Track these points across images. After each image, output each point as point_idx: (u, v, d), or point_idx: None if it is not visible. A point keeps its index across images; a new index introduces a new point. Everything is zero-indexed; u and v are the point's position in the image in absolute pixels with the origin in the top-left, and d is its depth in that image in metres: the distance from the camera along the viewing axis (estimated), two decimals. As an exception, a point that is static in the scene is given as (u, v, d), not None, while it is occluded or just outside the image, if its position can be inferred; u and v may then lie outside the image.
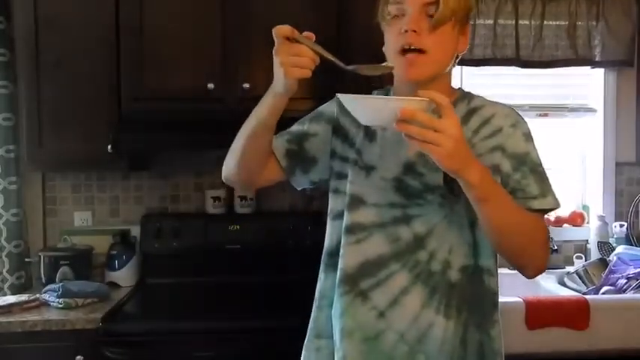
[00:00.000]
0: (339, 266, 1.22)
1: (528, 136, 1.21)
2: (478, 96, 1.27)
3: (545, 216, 1.23)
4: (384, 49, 1.22)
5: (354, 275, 1.20)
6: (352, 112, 1.08)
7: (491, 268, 1.21)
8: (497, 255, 1.22)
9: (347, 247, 1.22)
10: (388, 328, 1.17)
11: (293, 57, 1.06)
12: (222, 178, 1.31)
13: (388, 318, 1.17)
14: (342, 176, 1.27)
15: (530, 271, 1.19)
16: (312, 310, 1.30)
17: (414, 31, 1.13)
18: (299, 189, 1.37)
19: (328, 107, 1.33)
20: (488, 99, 1.26)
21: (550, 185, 1.19)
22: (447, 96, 1.20)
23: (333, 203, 1.29)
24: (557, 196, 1.20)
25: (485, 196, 1.06)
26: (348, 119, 1.26)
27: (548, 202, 1.17)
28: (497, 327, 1.22)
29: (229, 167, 1.28)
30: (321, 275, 1.29)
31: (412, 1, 1.14)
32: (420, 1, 1.14)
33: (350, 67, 1.10)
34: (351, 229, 1.22)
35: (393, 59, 1.18)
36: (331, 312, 1.24)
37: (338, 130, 1.29)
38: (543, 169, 1.20)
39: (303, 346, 1.31)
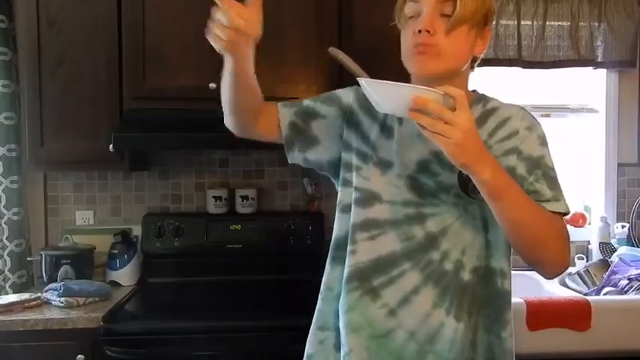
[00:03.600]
0: (350, 262, 1.22)
1: (543, 140, 1.21)
2: (493, 98, 1.27)
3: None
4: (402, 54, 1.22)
5: (365, 272, 1.20)
6: (370, 97, 1.08)
7: (504, 269, 1.21)
8: (511, 256, 1.22)
9: (360, 243, 1.22)
10: (398, 327, 1.18)
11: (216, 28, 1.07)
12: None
13: (399, 316, 1.18)
14: (352, 168, 1.26)
15: (548, 268, 1.18)
16: (318, 301, 1.30)
17: (427, 32, 1.13)
18: (290, 162, 1.35)
19: (345, 94, 1.32)
20: (503, 101, 1.27)
21: (562, 191, 1.20)
22: None
23: (342, 195, 1.28)
24: (568, 202, 1.19)
25: (499, 193, 1.06)
26: (363, 110, 1.27)
27: (560, 207, 1.17)
28: (509, 327, 1.22)
29: (225, 115, 1.27)
30: (328, 267, 1.29)
31: (427, 0, 1.15)
32: (434, 0, 1.14)
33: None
34: (365, 226, 1.22)
35: (406, 57, 1.18)
36: (337, 305, 1.24)
37: (350, 120, 1.28)
38: (556, 174, 1.20)
39: (307, 338, 1.31)
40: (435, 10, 1.14)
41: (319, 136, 1.29)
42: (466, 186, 1.11)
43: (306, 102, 1.31)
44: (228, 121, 1.27)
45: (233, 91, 1.18)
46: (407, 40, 1.18)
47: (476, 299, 1.18)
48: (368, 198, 1.23)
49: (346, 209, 1.26)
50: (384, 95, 1.05)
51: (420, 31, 1.13)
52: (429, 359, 1.17)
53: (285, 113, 1.29)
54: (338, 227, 1.28)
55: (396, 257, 1.19)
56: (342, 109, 1.29)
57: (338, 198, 1.30)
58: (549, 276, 1.22)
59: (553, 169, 1.20)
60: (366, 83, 1.05)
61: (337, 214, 1.29)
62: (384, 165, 1.23)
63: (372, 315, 1.19)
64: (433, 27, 1.13)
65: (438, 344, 1.16)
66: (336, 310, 1.24)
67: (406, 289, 1.18)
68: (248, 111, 1.24)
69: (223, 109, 1.25)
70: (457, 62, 1.18)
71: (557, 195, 1.18)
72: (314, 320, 1.30)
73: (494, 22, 2.48)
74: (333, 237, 1.29)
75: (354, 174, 1.26)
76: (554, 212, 1.16)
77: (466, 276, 1.18)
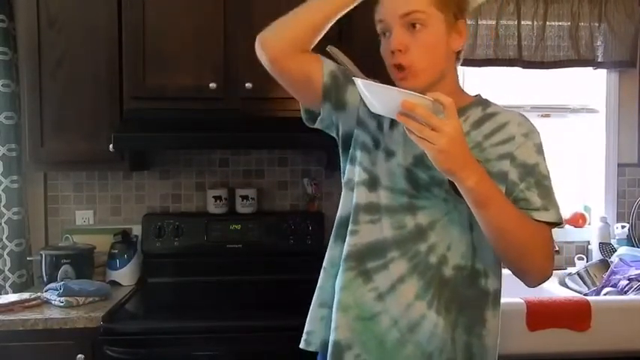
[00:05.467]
0: (349, 241, 1.24)
1: (539, 148, 1.22)
2: (495, 104, 1.28)
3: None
4: None
5: (362, 253, 1.23)
6: (364, 97, 1.11)
7: (488, 270, 1.22)
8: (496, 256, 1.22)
9: (362, 225, 1.24)
10: (384, 312, 1.20)
11: None
12: (257, 42, 1.23)
13: (386, 302, 1.20)
14: (363, 148, 1.28)
15: (531, 277, 1.20)
16: (319, 277, 1.32)
17: (400, 51, 1.16)
18: (311, 125, 1.33)
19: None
20: (504, 107, 1.28)
21: (554, 200, 1.20)
22: (454, 96, 1.21)
23: (350, 173, 1.30)
24: (560, 212, 1.20)
25: (483, 201, 1.08)
26: None
27: (550, 216, 1.18)
28: (489, 325, 1.21)
29: (274, 38, 1.21)
30: (331, 243, 1.31)
31: (390, 17, 1.17)
32: (396, 15, 1.16)
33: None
34: (367, 209, 1.24)
35: (390, 72, 1.21)
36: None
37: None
38: (550, 182, 1.21)
39: (308, 315, 1.33)
40: (401, 25, 1.16)
41: (348, 104, 1.28)
42: (454, 184, 1.12)
43: (344, 70, 1.30)
44: (274, 43, 1.21)
45: (319, 19, 1.19)
46: (385, 57, 1.21)
47: (456, 297, 1.20)
48: (373, 181, 1.25)
49: (352, 188, 1.28)
50: (376, 97, 1.07)
51: (392, 52, 1.16)
52: (409, 349, 1.19)
53: (329, 63, 1.27)
54: (343, 205, 1.30)
55: (388, 244, 1.21)
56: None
57: (345, 175, 1.31)
58: (531, 285, 1.23)
59: (547, 178, 1.21)
60: (361, 84, 1.07)
61: (343, 192, 1.31)
62: (389, 153, 1.25)
63: (362, 297, 1.21)
64: (404, 44, 1.16)
65: (418, 335, 1.18)
66: (328, 293, 1.27)
67: (394, 277, 1.20)
68: (303, 40, 1.21)
69: (274, 29, 1.21)
70: (437, 67, 1.20)
71: (547, 204, 1.18)
72: (315, 296, 1.32)
73: (494, 22, 2.51)
74: (337, 214, 1.31)
75: (364, 154, 1.27)
76: (542, 222, 1.17)
77: (447, 272, 1.19)
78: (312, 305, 1.33)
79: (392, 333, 1.19)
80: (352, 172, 1.29)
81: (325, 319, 1.28)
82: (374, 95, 1.07)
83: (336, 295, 1.25)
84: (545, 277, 1.20)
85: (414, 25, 1.16)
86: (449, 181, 1.15)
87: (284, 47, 1.20)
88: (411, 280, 1.19)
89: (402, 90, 1.05)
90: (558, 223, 1.19)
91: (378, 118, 1.27)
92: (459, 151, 1.03)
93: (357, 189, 1.26)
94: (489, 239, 1.15)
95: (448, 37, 1.19)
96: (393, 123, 1.26)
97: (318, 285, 1.32)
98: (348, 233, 1.25)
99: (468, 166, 1.05)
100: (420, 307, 1.18)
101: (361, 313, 1.21)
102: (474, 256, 1.21)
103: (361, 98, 1.27)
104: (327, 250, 1.32)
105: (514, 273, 1.19)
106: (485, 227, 1.13)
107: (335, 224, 1.32)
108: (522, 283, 1.51)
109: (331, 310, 1.27)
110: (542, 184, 1.19)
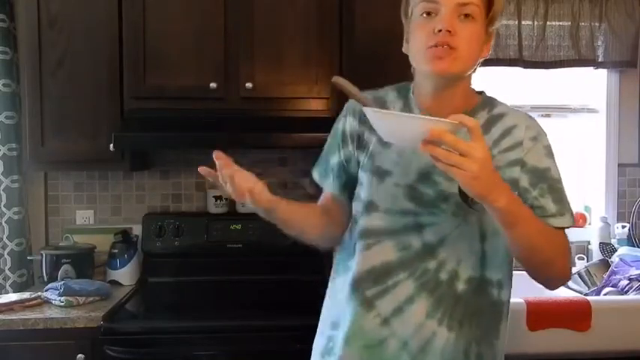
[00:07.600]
0: (350, 273, 1.24)
1: (549, 150, 1.20)
2: (501, 103, 1.26)
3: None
4: (404, 48, 1.22)
5: (360, 283, 1.21)
6: (375, 127, 1.05)
7: (500, 280, 1.21)
8: (509, 266, 1.22)
9: (358, 253, 1.22)
10: (392, 336, 1.17)
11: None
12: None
13: (392, 325, 1.17)
14: (359, 182, 1.28)
15: (554, 283, 1.22)
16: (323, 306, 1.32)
17: (449, 32, 1.12)
18: None
19: (342, 122, 1.31)
20: (510, 106, 1.25)
21: (568, 203, 1.19)
22: (466, 97, 1.22)
23: (354, 208, 1.29)
24: (573, 213, 1.20)
25: (513, 221, 1.05)
26: (360, 122, 1.27)
27: (566, 221, 1.17)
28: (501, 335, 1.22)
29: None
30: (333, 275, 1.32)
31: (446, 0, 1.13)
32: (454, 1, 1.13)
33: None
34: (362, 235, 1.22)
35: (420, 55, 1.16)
36: (334, 312, 1.26)
37: (360, 142, 1.28)
38: (562, 185, 1.19)
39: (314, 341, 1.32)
40: (454, 11, 1.13)
41: (355, 173, 1.29)
42: (466, 196, 1.09)
43: (333, 160, 1.32)
44: (316, 244, 1.36)
45: (293, 228, 1.29)
46: (421, 39, 1.15)
47: (469, 310, 1.18)
48: (367, 207, 1.23)
49: (355, 220, 1.27)
50: (391, 126, 1.01)
51: (440, 31, 1.12)
52: None
53: (329, 187, 1.32)
54: (347, 237, 1.30)
55: (391, 267, 1.19)
56: (350, 138, 1.29)
57: (352, 211, 1.30)
58: (553, 289, 1.24)
59: (559, 181, 1.19)
60: (374, 114, 1.02)
61: (349, 228, 1.31)
62: (382, 173, 1.22)
63: (366, 325, 1.19)
64: (454, 28, 1.12)
65: (429, 354, 1.16)
66: (333, 318, 1.26)
67: (400, 299, 1.17)
68: (320, 228, 1.31)
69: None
70: (471, 62, 1.17)
71: (562, 209, 1.17)
72: (318, 329, 1.32)
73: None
74: (341, 247, 1.32)
75: (360, 187, 1.27)
76: (560, 227, 1.17)
77: (460, 286, 1.17)
78: (317, 332, 1.32)
79: (401, 356, 1.16)
80: (355, 206, 1.28)
81: (317, 347, 1.28)
82: (390, 125, 1.01)
83: (340, 329, 1.23)
84: (567, 280, 1.24)
85: (466, 16, 1.13)
86: (459, 193, 1.13)
87: (326, 244, 1.36)
88: (419, 299, 1.16)
89: (422, 117, 1.00)
90: (572, 226, 1.20)
91: (361, 145, 1.26)
92: (489, 174, 0.98)
93: (357, 220, 1.25)
94: (518, 255, 1.14)
95: (484, 44, 1.19)
96: (380, 142, 1.22)
97: (321, 316, 1.32)
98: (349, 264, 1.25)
99: (497, 187, 1.01)
100: (431, 326, 1.16)
101: (368, 342, 1.18)
102: (484, 267, 1.19)
103: (357, 147, 1.27)
104: (330, 281, 1.32)
105: (537, 280, 1.18)
106: (516, 244, 1.11)
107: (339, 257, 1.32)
108: (522, 283, 1.51)
109: (323, 339, 1.27)
110: (555, 188, 1.18)
